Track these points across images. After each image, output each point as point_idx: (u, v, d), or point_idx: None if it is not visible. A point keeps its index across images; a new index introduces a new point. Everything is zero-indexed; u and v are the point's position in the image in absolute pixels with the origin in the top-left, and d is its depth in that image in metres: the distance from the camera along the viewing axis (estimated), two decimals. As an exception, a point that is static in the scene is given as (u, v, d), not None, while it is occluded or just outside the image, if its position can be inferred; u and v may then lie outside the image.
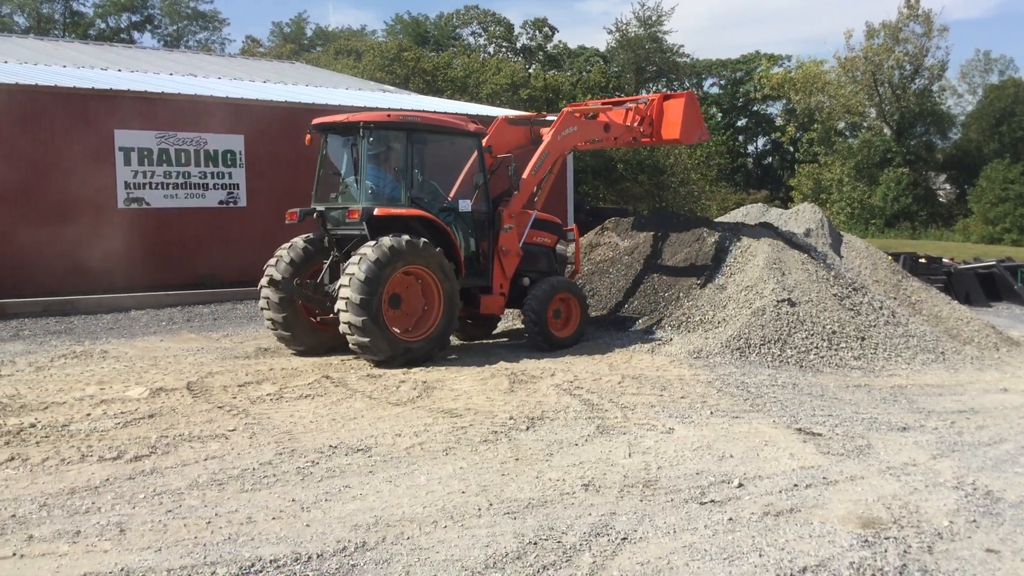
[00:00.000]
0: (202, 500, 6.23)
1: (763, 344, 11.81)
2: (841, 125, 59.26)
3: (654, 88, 64.51)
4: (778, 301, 12.50)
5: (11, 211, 18.11)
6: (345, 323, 10.96)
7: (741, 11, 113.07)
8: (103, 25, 61.53)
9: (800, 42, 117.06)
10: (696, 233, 14.93)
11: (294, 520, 5.84)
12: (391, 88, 35.57)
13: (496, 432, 8.00)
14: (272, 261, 12.13)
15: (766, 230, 15.07)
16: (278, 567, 5.08)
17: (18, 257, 17.97)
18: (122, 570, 5.03)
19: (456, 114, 14.28)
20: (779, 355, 11.61)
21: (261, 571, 5.03)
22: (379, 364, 11.16)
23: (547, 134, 13.38)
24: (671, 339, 12.62)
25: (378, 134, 11.87)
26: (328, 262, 12.17)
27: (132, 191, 19.44)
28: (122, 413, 8.69)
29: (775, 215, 19.31)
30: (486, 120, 15.22)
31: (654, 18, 61.46)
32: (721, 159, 49.88)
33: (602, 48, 65.69)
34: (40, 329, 15.20)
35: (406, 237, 11.20)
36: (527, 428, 8.16)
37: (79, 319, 16.41)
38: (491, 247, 12.64)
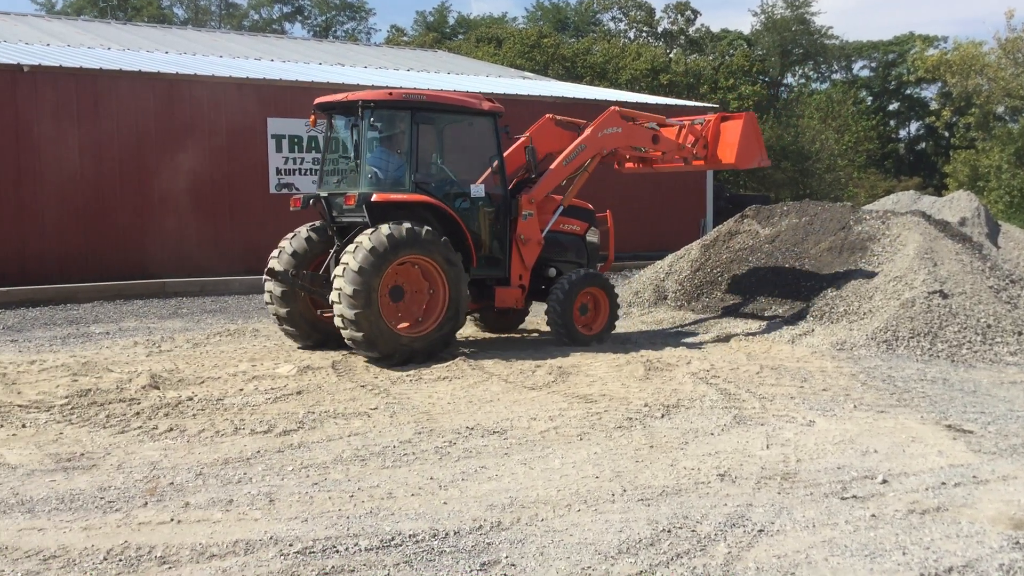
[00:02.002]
0: (346, 474, 6.46)
1: (912, 337, 11.37)
2: (1000, 109, 56.08)
3: (800, 72, 62.68)
4: (929, 292, 12.00)
5: (172, 195, 19.12)
6: (338, 315, 10.18)
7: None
8: (256, 16, 64.14)
9: (957, 22, 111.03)
10: (842, 221, 14.46)
11: (432, 497, 5.99)
12: (531, 75, 35.76)
13: (631, 419, 7.99)
14: (275, 252, 11.39)
15: (917, 218, 14.44)
16: (417, 542, 5.23)
17: (177, 240, 18.98)
18: (271, 538, 5.26)
19: (470, 92, 13.67)
20: (929, 349, 11.15)
21: (401, 545, 5.18)
22: (375, 361, 10.40)
23: (587, 128, 12.47)
24: (813, 330, 12.29)
25: (379, 114, 11.00)
26: (332, 251, 11.35)
27: (283, 177, 20.26)
28: (272, 389, 9.11)
29: (927, 203, 18.53)
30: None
31: (801, -1, 59.59)
32: (870, 144, 48.08)
33: (746, 31, 64.10)
34: (197, 308, 16.05)
35: (407, 225, 10.36)
36: (662, 416, 8.12)
37: (232, 299, 17.25)
38: (508, 235, 11.74)
